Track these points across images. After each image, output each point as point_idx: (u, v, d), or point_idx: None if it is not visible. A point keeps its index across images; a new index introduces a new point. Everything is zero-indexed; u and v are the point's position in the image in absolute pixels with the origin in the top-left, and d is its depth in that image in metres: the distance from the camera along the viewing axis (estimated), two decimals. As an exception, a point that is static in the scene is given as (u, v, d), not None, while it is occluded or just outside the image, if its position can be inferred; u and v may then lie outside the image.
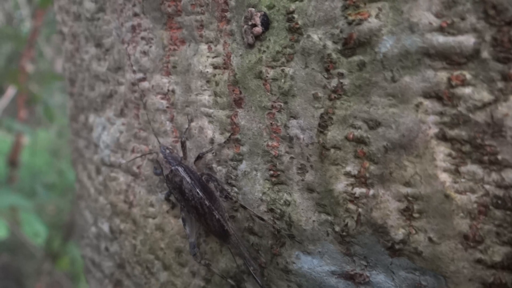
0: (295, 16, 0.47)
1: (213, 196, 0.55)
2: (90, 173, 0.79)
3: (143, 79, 0.63)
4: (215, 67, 0.55)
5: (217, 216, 0.54)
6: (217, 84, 0.55)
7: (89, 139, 0.78)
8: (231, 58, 0.53)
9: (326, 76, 0.46)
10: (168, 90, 0.60)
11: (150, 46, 0.62)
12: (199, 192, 0.55)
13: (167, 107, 0.61)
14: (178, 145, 0.59)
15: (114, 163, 0.69)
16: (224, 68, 0.54)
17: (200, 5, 0.55)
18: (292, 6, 0.47)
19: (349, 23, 0.43)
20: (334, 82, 0.45)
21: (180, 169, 0.56)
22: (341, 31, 0.44)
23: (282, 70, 0.49)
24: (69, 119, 0.89)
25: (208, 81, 0.56)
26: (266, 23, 0.50)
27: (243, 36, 0.51)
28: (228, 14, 0.53)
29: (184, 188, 0.55)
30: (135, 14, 0.62)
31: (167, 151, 0.58)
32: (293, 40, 0.48)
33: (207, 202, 0.54)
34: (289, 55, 0.48)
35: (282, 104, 0.50)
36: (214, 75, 0.55)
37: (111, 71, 0.68)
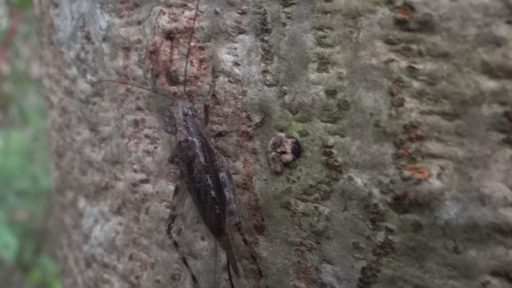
0: (334, 151, 0.41)
1: (220, 187, 0.47)
2: (77, 260, 0.71)
3: (146, 181, 0.56)
4: (233, 186, 0.48)
5: (217, 211, 0.47)
6: (235, 205, 0.48)
7: (78, 223, 0.70)
8: (253, 180, 0.47)
9: (370, 226, 0.40)
10: (176, 199, 0.53)
11: (156, 147, 0.54)
12: (209, 179, 0.47)
13: (174, 217, 0.54)
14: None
15: (108, 265, 0.62)
16: (244, 189, 0.48)
17: (218, 114, 0.48)
18: (331, 140, 0.41)
19: (404, 179, 0.37)
20: (380, 236, 0.39)
21: (197, 142, 0.47)
22: (391, 182, 0.38)
23: (316, 208, 0.43)
24: (55, 189, 0.80)
25: (224, 200, 0.49)
26: (298, 151, 0.43)
27: (270, 162, 0.45)
28: (250, 130, 0.46)
29: (194, 166, 0.48)
30: (139, 108, 0.55)
31: (190, 111, 0.48)
32: (331, 177, 0.41)
33: (213, 193, 0.47)
34: (325, 193, 0.42)
35: (313, 243, 0.43)
36: (232, 195, 0.48)
37: (107, 162, 0.60)
